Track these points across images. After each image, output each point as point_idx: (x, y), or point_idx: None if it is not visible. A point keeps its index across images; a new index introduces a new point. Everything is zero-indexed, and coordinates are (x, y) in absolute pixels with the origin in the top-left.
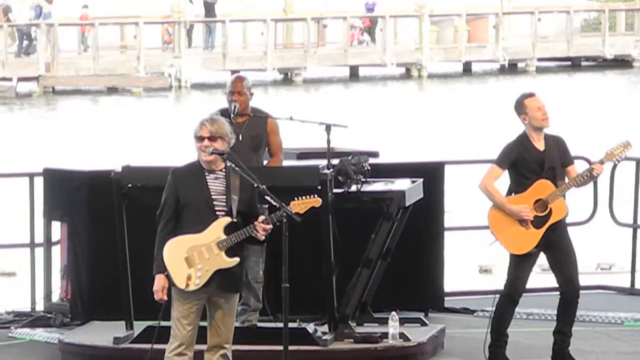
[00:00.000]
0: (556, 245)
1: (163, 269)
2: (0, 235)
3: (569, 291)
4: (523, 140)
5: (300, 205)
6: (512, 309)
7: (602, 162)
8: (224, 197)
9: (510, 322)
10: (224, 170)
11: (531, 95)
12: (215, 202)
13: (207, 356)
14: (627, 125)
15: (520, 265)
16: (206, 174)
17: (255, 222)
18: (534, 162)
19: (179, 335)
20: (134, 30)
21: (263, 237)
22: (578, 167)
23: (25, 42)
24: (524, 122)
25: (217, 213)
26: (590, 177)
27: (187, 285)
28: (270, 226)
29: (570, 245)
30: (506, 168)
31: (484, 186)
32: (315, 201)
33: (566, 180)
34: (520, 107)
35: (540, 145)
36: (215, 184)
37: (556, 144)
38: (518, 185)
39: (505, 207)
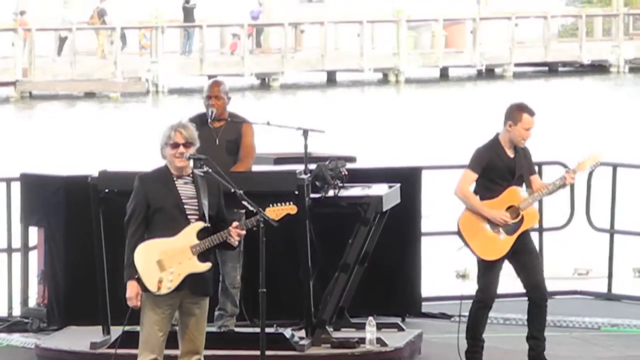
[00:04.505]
0: (520, 251)
1: (134, 275)
2: None
3: (537, 296)
4: (495, 146)
5: (275, 212)
6: (486, 314)
7: (574, 172)
8: (195, 201)
9: (485, 327)
10: (191, 175)
11: (532, 113)
12: (186, 207)
13: None
14: (603, 131)
15: (490, 270)
16: (175, 179)
17: (230, 227)
18: (504, 169)
19: (151, 342)
20: (110, 36)
21: (237, 243)
22: (555, 172)
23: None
24: (507, 128)
25: (189, 217)
26: (561, 185)
27: (159, 289)
28: (244, 232)
29: (535, 251)
30: (479, 172)
31: (460, 192)
32: (291, 208)
33: (534, 188)
34: (515, 115)
35: (510, 152)
36: (185, 189)
37: (524, 153)
38: (485, 191)
39: (483, 211)
